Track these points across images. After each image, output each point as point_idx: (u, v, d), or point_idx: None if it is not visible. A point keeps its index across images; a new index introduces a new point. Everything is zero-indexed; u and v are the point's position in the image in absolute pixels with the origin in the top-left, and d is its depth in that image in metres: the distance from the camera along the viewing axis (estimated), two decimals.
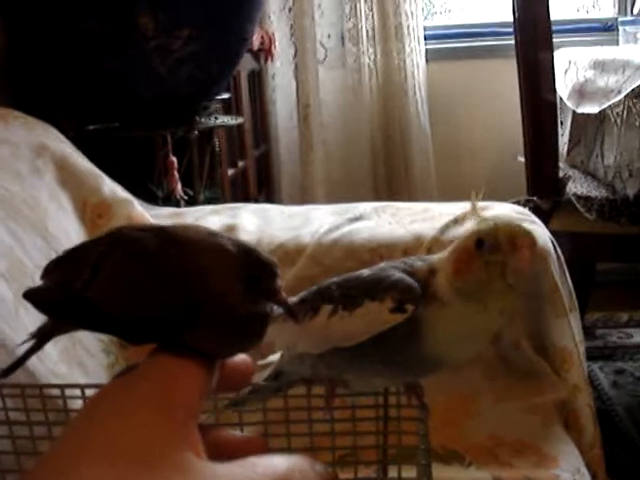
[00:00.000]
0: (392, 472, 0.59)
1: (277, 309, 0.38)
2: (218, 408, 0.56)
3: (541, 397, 1.10)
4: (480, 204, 0.55)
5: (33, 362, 0.84)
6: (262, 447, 0.37)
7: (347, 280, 0.57)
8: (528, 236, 0.50)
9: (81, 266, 0.38)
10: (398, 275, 0.53)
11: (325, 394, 0.57)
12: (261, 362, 0.60)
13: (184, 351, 0.35)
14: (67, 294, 0.38)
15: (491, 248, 0.50)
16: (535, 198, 1.90)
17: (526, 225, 0.52)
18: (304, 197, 2.61)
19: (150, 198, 1.52)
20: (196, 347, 0.35)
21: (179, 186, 1.66)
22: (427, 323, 0.51)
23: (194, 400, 0.34)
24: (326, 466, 0.34)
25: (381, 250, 1.16)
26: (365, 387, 0.57)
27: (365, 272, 0.56)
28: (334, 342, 0.55)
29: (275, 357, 0.61)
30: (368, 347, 0.53)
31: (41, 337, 0.43)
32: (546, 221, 1.76)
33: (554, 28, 1.98)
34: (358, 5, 2.61)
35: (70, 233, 1.11)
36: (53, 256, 1.01)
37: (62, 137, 1.26)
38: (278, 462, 0.33)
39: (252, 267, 0.36)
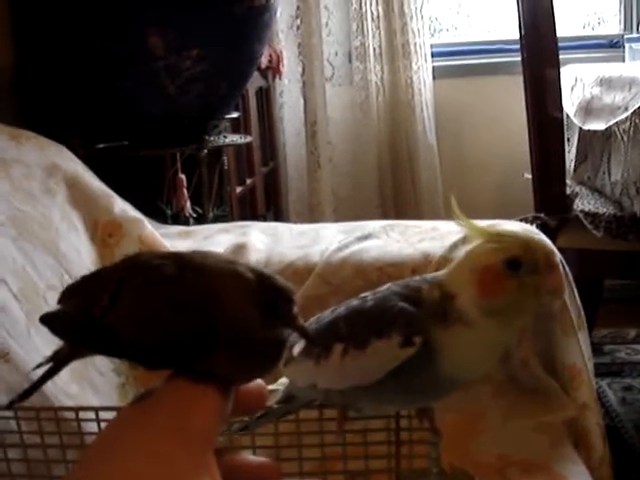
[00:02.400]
0: None
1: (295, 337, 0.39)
2: (230, 432, 0.56)
3: (550, 415, 1.09)
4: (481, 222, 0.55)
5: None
6: (276, 472, 0.37)
7: (352, 313, 0.56)
8: (556, 254, 0.50)
9: (99, 292, 0.38)
10: (400, 306, 0.53)
11: (337, 418, 0.57)
12: (271, 387, 0.61)
13: (201, 376, 0.35)
14: (85, 320, 0.38)
15: (529, 269, 0.49)
16: (542, 215, 1.90)
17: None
18: (312, 214, 2.61)
19: (159, 216, 1.52)
20: (213, 372, 0.35)
21: (188, 204, 1.67)
22: (444, 346, 0.51)
23: (212, 426, 0.34)
24: None
25: (389, 269, 1.16)
26: (377, 412, 0.58)
27: (368, 299, 0.56)
28: (352, 381, 0.55)
29: (285, 380, 0.61)
30: (385, 380, 0.53)
31: (58, 362, 0.43)
32: (553, 238, 1.76)
33: (560, 45, 1.99)
34: (365, 23, 2.62)
35: (81, 252, 1.12)
36: (64, 276, 1.03)
37: (73, 157, 1.26)
38: None
39: (269, 293, 0.37)
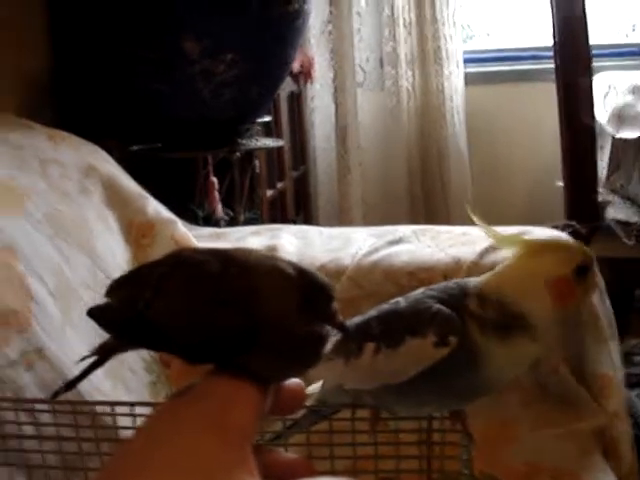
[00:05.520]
0: None
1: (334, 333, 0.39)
2: (262, 441, 0.56)
3: (579, 424, 1.09)
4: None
5: None
6: (310, 469, 0.37)
7: (386, 314, 0.57)
8: None
9: (143, 286, 0.38)
10: (436, 307, 0.53)
11: (369, 417, 0.57)
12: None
13: (240, 373, 0.35)
14: (129, 313, 0.39)
15: (593, 275, 0.51)
16: (574, 223, 1.89)
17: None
18: (341, 218, 2.62)
19: (191, 218, 1.54)
20: (253, 369, 0.36)
21: (219, 207, 1.68)
22: (495, 354, 0.51)
23: (250, 422, 0.34)
24: None
25: (420, 274, 1.16)
26: (410, 414, 0.58)
27: (401, 303, 0.56)
28: (382, 380, 0.55)
29: (316, 386, 0.62)
30: (418, 381, 0.53)
31: (104, 354, 0.44)
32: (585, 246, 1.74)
33: (593, 52, 1.98)
34: (397, 29, 2.62)
35: (116, 253, 1.13)
36: (99, 275, 1.05)
37: (108, 157, 1.28)
38: None
39: (309, 289, 0.37)
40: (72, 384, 0.49)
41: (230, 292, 0.37)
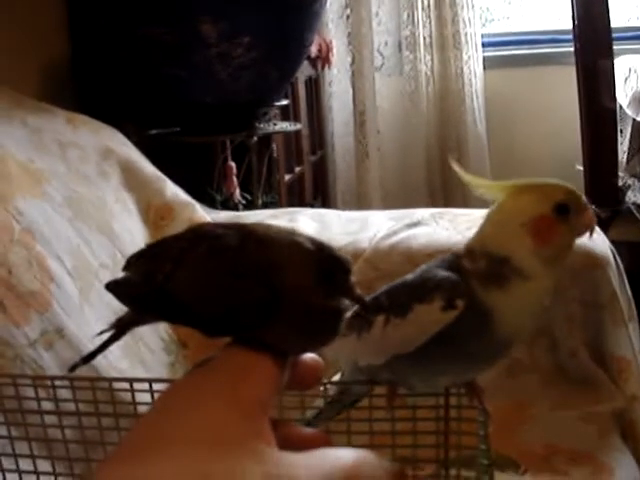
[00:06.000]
0: (451, 472, 0.59)
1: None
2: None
3: (598, 406, 1.09)
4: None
5: (97, 357, 0.86)
6: (327, 443, 0.37)
7: (394, 288, 0.58)
8: None
9: (163, 260, 0.39)
10: (441, 273, 0.54)
11: (386, 394, 0.58)
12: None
13: (258, 346, 0.35)
14: (148, 287, 0.39)
15: (574, 211, 0.51)
16: (594, 207, 1.88)
17: None
18: (359, 203, 2.62)
19: (209, 202, 1.54)
20: (270, 342, 0.36)
21: (237, 191, 1.69)
22: (502, 306, 0.52)
23: (266, 395, 0.34)
24: (392, 462, 0.35)
25: (438, 256, 1.16)
26: (427, 387, 0.58)
27: (409, 277, 0.57)
28: (393, 350, 0.56)
29: (336, 378, 0.62)
30: (431, 348, 0.53)
31: (121, 327, 0.44)
32: (605, 230, 1.73)
33: (614, 35, 1.96)
34: (416, 13, 2.61)
35: (134, 234, 1.14)
36: (117, 255, 1.05)
37: (126, 141, 1.29)
38: (346, 454, 0.33)
39: (327, 263, 0.37)
40: (89, 357, 0.49)
41: (249, 265, 0.37)
